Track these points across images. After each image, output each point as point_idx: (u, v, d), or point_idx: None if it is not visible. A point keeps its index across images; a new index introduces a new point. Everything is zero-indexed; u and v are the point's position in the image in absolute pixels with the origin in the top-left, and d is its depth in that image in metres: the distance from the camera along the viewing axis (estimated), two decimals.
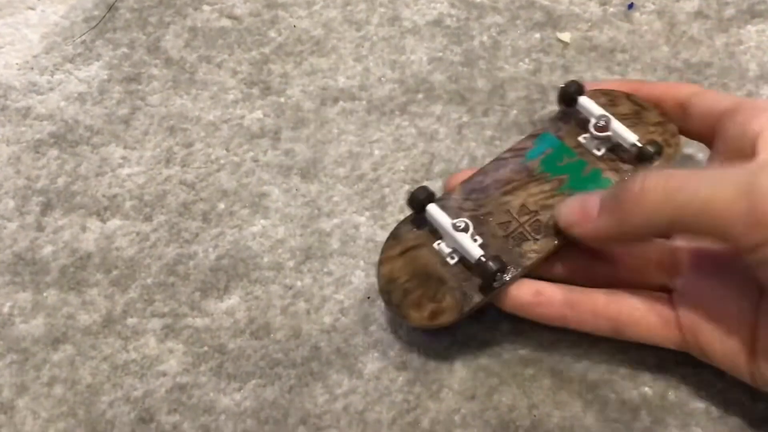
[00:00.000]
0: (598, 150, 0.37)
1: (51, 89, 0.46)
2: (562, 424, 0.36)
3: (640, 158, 0.36)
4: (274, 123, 0.45)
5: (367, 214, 0.42)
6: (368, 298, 0.40)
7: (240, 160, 0.44)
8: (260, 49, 0.47)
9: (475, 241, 0.35)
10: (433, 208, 0.36)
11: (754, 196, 0.28)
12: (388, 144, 0.44)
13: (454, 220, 0.35)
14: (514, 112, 0.44)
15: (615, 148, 0.37)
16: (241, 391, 0.38)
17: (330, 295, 0.40)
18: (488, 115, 0.44)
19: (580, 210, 0.34)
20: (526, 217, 0.36)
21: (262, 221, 0.42)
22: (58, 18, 0.48)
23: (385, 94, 0.45)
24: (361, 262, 0.41)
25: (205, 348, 0.39)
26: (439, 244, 0.36)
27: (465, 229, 0.35)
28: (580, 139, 0.38)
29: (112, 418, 0.38)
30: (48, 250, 0.42)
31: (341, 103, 0.45)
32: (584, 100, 0.38)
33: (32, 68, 0.47)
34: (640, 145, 0.36)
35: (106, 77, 0.47)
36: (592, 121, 0.37)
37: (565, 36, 0.46)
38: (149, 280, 0.41)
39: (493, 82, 0.45)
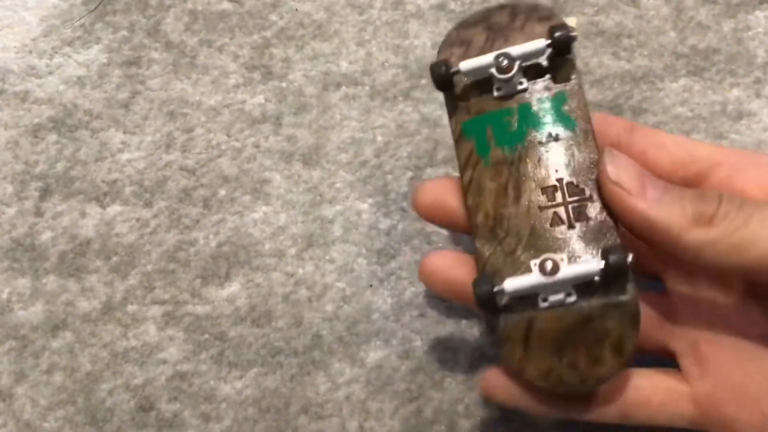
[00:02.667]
0: (521, 84, 0.32)
1: (50, 73, 0.46)
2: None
3: (558, 52, 0.31)
4: (275, 108, 0.44)
5: (370, 201, 0.42)
6: (370, 285, 0.39)
7: (241, 146, 0.43)
8: (261, 32, 0.46)
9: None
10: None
11: None
12: (391, 130, 0.43)
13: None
14: None
15: (530, 69, 0.32)
16: (242, 379, 0.38)
17: (332, 283, 0.40)
18: None
19: (640, 178, 0.29)
20: (559, 197, 0.31)
21: (264, 208, 0.42)
22: (56, 0, 0.48)
23: (389, 79, 0.45)
24: (364, 250, 0.40)
25: (206, 336, 0.39)
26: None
27: (551, 270, 0.29)
28: (495, 94, 0.32)
29: (112, 406, 0.37)
30: (47, 236, 0.41)
31: (344, 88, 0.44)
32: (465, 65, 0.31)
33: (30, 51, 0.47)
34: (549, 41, 0.31)
35: (105, 61, 0.46)
36: (492, 71, 0.31)
37: (571, 20, 0.45)
38: (149, 267, 0.40)
39: None
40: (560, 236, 0.30)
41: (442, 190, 0.33)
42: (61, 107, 0.45)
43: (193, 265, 0.40)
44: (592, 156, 0.31)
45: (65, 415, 0.37)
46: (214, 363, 0.38)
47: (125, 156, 0.43)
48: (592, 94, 0.43)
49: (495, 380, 0.31)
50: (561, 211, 0.30)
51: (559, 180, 0.31)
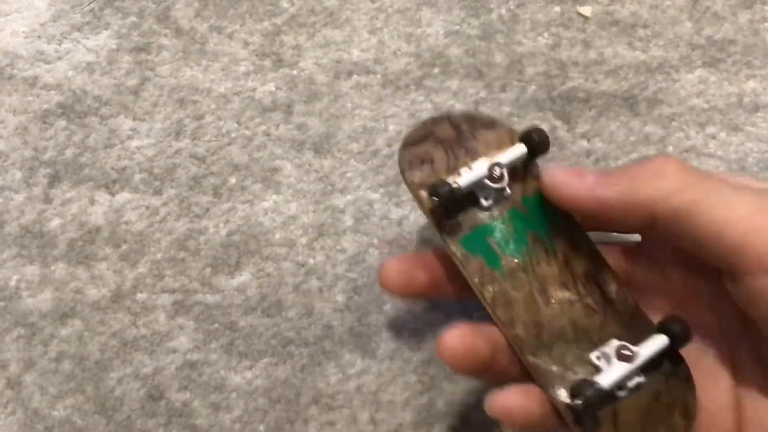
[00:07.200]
0: (507, 190, 0.32)
1: (59, 58, 0.45)
2: None
3: (532, 153, 0.32)
4: (286, 96, 0.44)
5: (382, 191, 0.41)
6: None
7: (251, 134, 0.43)
8: (272, 19, 0.46)
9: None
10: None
11: None
12: (403, 119, 0.43)
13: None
14: (533, 87, 0.43)
15: (510, 174, 0.32)
16: (253, 369, 0.37)
17: (343, 273, 0.39)
18: (506, 91, 0.43)
19: (572, 170, 0.30)
20: (581, 288, 0.31)
21: (274, 197, 0.41)
22: None
23: (401, 68, 0.44)
24: (375, 240, 0.40)
25: (216, 325, 0.38)
26: None
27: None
28: (485, 204, 0.32)
29: (122, 394, 0.37)
30: (56, 222, 0.41)
31: (355, 76, 0.44)
32: (464, 180, 0.31)
33: (39, 36, 0.46)
34: (527, 149, 0.32)
35: (114, 47, 0.46)
36: (486, 181, 0.31)
37: (586, 10, 0.45)
38: (159, 255, 0.40)
39: (511, 57, 0.44)
40: (599, 323, 0.30)
41: (408, 266, 0.33)
42: (70, 93, 0.44)
43: (203, 254, 0.40)
44: (583, 237, 0.32)
45: (74, 403, 0.37)
46: (224, 352, 0.38)
47: (135, 143, 0.43)
48: (607, 85, 0.43)
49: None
50: (589, 300, 0.31)
51: (573, 272, 0.31)
